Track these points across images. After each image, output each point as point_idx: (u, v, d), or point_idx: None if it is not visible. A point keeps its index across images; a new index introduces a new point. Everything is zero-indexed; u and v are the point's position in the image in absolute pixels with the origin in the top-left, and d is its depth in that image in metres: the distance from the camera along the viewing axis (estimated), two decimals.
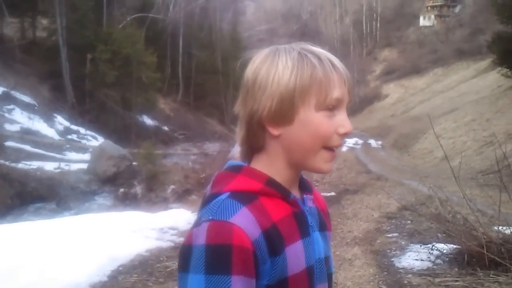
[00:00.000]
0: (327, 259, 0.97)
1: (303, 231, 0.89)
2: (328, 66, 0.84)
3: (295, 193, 0.92)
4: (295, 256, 0.85)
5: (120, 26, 27.30)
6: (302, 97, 0.83)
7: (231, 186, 0.85)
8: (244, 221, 0.78)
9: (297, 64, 0.84)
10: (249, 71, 0.88)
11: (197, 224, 0.80)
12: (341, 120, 0.86)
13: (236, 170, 0.88)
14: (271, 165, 0.89)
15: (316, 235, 0.93)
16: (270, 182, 0.87)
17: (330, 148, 0.87)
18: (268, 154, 0.89)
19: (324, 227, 0.99)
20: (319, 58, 0.85)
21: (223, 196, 0.83)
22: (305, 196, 0.95)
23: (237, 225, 0.77)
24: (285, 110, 0.84)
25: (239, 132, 0.91)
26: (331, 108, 0.85)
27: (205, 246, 0.75)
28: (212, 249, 0.75)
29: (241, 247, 0.76)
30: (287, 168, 0.89)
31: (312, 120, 0.84)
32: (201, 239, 0.76)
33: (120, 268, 4.69)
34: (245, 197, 0.83)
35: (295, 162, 0.88)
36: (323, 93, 0.83)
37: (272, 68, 0.84)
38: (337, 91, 0.84)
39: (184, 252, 0.78)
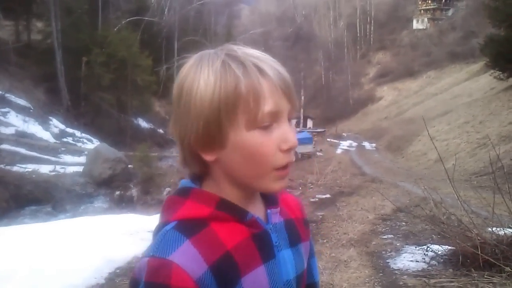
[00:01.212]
0: (299, 277, 0.86)
1: (266, 254, 0.79)
2: (255, 75, 0.71)
3: (256, 210, 0.81)
4: (256, 284, 0.76)
5: (115, 29, 27.25)
6: (229, 117, 0.71)
7: (178, 214, 0.76)
8: (186, 258, 0.70)
9: (220, 77, 0.71)
10: (174, 88, 0.76)
11: (142, 257, 0.73)
12: (282, 135, 0.73)
13: (184, 194, 0.79)
14: (219, 188, 0.79)
15: (284, 254, 0.83)
16: (222, 204, 0.77)
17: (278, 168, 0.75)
18: (213, 178, 0.79)
19: (296, 240, 0.88)
20: (244, 66, 0.71)
21: (168, 227, 0.74)
22: (269, 211, 0.84)
23: (177, 264, 0.69)
24: (213, 134, 0.72)
25: (179, 155, 0.81)
26: (267, 125, 0.72)
27: (144, 284, 0.69)
28: None
29: None
30: (238, 189, 0.78)
31: (245, 142, 0.72)
32: (143, 275, 0.70)
33: (117, 271, 4.70)
34: (192, 227, 0.74)
35: (242, 185, 0.78)
36: (252, 109, 0.70)
37: (194, 84, 0.72)
38: (269, 104, 0.71)
39: (131, 284, 0.75)
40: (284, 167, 0.75)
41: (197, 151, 0.75)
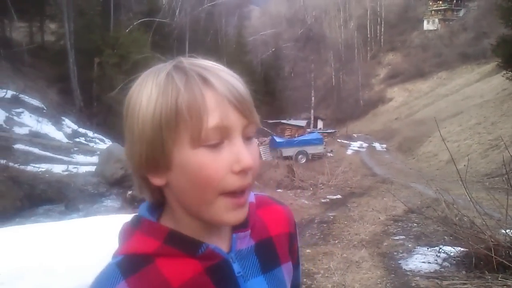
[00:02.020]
0: None
1: (225, 287, 0.70)
2: (197, 87, 0.62)
3: (219, 238, 0.73)
4: None
5: (127, 30, 27.45)
6: (171, 135, 0.63)
7: (125, 247, 0.69)
8: None
9: (162, 91, 0.63)
10: (125, 106, 0.69)
11: None
12: (235, 154, 0.64)
13: (135, 224, 0.72)
14: (174, 216, 0.71)
15: (253, 283, 0.73)
16: (171, 238, 0.69)
17: (231, 193, 0.65)
18: (169, 205, 0.71)
19: (272, 264, 0.78)
20: (187, 77, 0.63)
21: (112, 261, 0.69)
22: (234, 235, 0.74)
23: None
24: (158, 155, 0.64)
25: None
26: (215, 142, 0.63)
27: None
28: None
29: None
30: (192, 217, 0.69)
31: (189, 162, 0.63)
32: None
33: None
34: (134, 264, 0.67)
35: (192, 214, 0.69)
36: (195, 125, 0.62)
37: (137, 100, 0.65)
38: (214, 118, 0.62)
39: None
40: (237, 193, 0.65)
41: (144, 174, 0.67)
